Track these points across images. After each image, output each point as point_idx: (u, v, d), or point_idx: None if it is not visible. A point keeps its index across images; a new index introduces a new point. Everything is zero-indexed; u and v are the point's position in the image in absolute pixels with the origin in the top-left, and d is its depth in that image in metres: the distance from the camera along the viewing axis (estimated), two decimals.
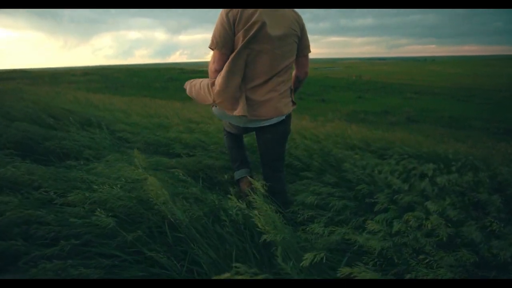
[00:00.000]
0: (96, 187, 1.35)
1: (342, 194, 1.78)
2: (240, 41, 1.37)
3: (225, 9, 1.39)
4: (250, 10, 1.36)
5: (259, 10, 1.36)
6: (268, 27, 1.37)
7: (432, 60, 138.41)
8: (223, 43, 1.39)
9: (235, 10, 1.36)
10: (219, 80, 1.42)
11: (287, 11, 1.45)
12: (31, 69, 52.83)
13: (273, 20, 1.39)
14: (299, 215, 1.54)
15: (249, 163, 1.93)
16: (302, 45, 1.53)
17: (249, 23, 1.35)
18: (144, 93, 21.04)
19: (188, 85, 1.75)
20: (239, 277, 0.81)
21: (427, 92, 27.36)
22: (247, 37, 1.36)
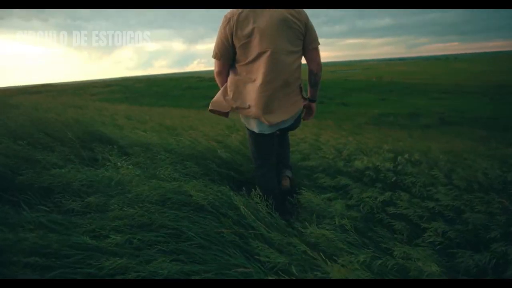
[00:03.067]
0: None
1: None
2: (242, 54, 1.45)
3: (224, 20, 1.42)
4: (247, 26, 1.39)
5: (255, 25, 1.39)
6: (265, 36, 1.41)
7: (455, 58, 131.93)
8: (222, 54, 1.49)
9: (232, 23, 1.40)
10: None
11: (283, 13, 1.41)
12: (57, 83, 54.90)
13: (269, 28, 1.40)
14: None
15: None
16: (309, 39, 1.51)
17: (245, 40, 1.42)
18: (162, 102, 21.10)
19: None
20: None
21: (454, 92, 25.71)
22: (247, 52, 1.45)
